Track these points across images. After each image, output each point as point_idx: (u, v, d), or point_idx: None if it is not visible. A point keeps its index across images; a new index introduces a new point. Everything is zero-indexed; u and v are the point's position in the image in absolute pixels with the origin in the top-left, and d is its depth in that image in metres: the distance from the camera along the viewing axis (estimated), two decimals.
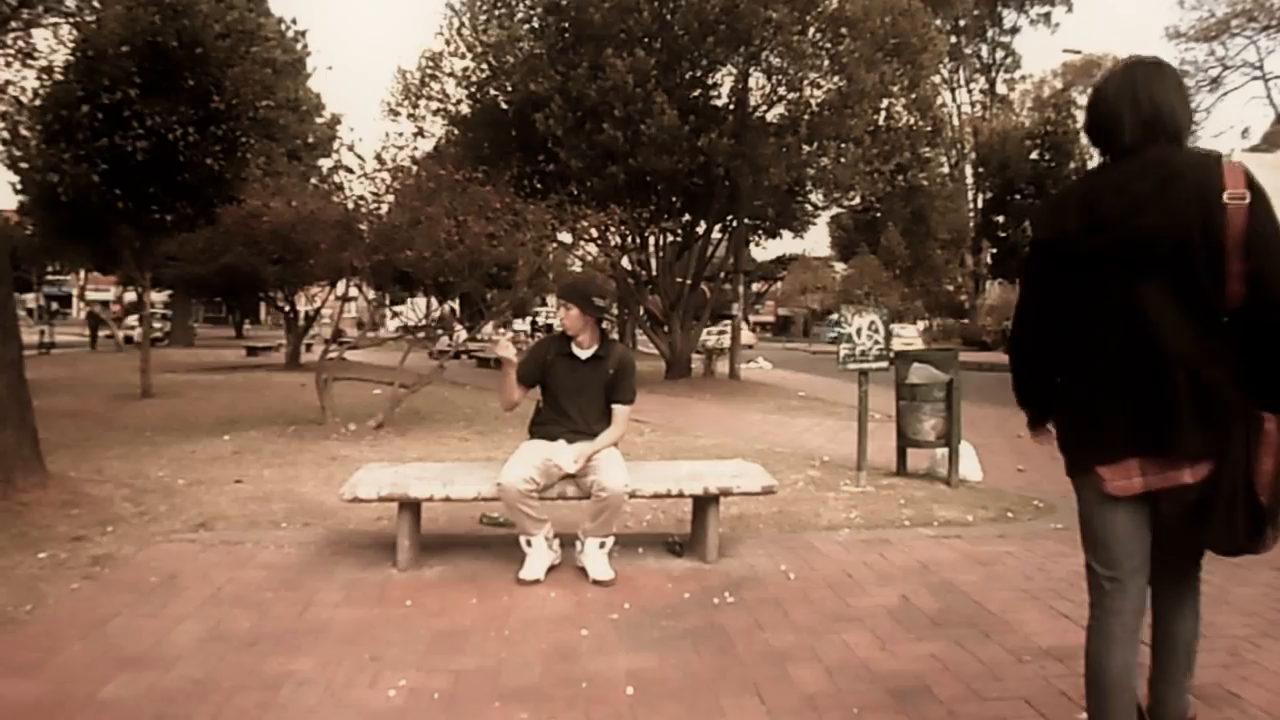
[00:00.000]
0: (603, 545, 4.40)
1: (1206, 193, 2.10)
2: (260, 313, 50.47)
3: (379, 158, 10.69)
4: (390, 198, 10.32)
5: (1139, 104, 2.27)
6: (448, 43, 17.62)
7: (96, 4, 13.46)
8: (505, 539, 4.80)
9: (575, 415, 4.59)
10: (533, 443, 4.56)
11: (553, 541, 4.46)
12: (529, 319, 43.57)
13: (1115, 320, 2.21)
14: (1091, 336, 2.27)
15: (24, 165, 18.14)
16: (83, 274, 50.76)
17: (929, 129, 19.54)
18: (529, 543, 4.37)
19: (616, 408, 4.64)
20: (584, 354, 4.62)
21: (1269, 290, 2.08)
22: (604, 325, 4.76)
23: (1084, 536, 2.40)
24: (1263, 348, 2.11)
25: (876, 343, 7.04)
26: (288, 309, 23.39)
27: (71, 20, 13.53)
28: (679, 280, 19.73)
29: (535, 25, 17.30)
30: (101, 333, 32.43)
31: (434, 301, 19.10)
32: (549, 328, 39.76)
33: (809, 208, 21.55)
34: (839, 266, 44.37)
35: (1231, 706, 3.02)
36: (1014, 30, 44.10)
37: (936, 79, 28.69)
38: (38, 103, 13.85)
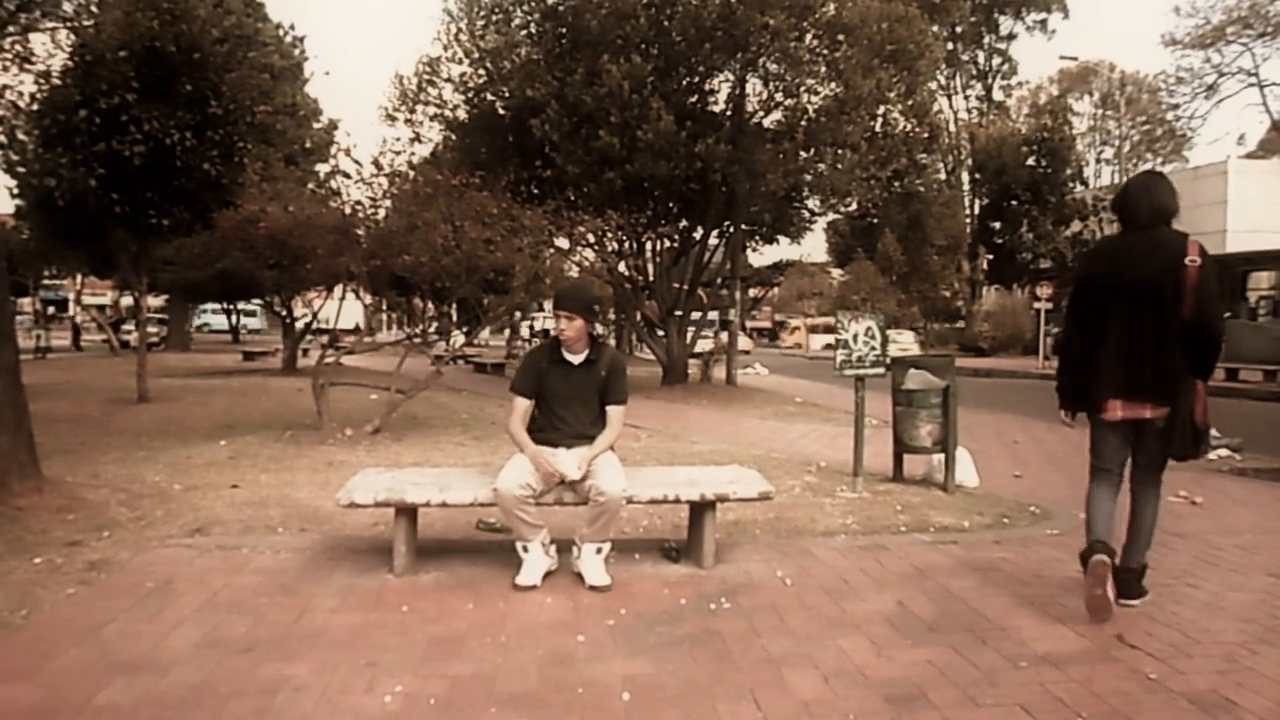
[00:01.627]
0: (599, 551, 4.40)
1: (1177, 258, 3.82)
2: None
3: (376, 163, 10.70)
4: (387, 203, 10.32)
5: (1150, 201, 4.01)
6: (445, 48, 17.62)
7: (94, 9, 13.48)
8: (502, 545, 4.80)
9: (571, 420, 4.60)
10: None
11: (549, 547, 4.46)
12: (526, 325, 43.51)
13: (1120, 326, 3.94)
14: (1106, 334, 3.98)
15: (21, 170, 18.12)
16: (79, 278, 50.66)
17: (926, 135, 19.59)
18: (525, 548, 4.37)
19: (611, 409, 4.64)
20: (576, 359, 4.62)
21: (1201, 315, 3.80)
22: (593, 329, 4.76)
23: (1091, 446, 4.20)
24: (1196, 344, 3.85)
25: (873, 349, 7.05)
26: (285, 314, 23.38)
27: (69, 25, 13.55)
28: (676, 286, 19.73)
29: (532, 31, 17.32)
30: (99, 337, 32.38)
31: (430, 307, 19.06)
32: (545, 333, 39.76)
33: (806, 214, 21.55)
34: (836, 272, 44.39)
35: (1227, 713, 3.03)
36: (1011, 37, 44.16)
37: (933, 85, 28.84)
38: (35, 107, 13.85)
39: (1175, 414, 3.82)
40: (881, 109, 16.88)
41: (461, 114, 18.18)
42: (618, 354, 4.86)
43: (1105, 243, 4.53)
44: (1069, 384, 4.20)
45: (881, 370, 7.17)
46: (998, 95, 45.45)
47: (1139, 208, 4.00)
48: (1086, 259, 4.36)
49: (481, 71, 17.38)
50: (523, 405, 4.62)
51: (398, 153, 11.29)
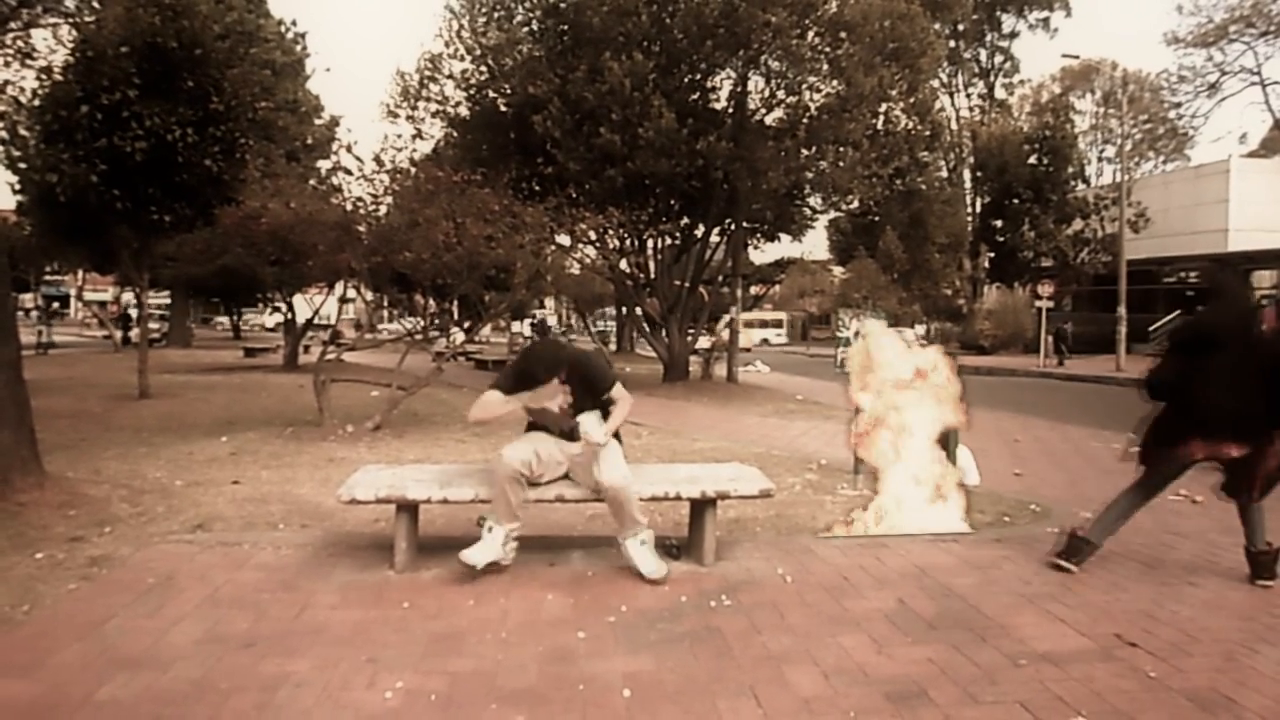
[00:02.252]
0: (643, 542, 4.42)
1: (1257, 324, 4.57)
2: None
3: (377, 159, 10.70)
4: (389, 199, 10.33)
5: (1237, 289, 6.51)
6: (447, 45, 17.62)
7: (96, 4, 13.47)
8: None
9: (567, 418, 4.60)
10: (540, 433, 4.57)
11: (510, 541, 4.40)
12: (527, 321, 43.49)
13: (1212, 376, 4.46)
14: (1201, 383, 4.48)
15: (23, 165, 18.10)
16: (81, 274, 50.70)
17: (927, 133, 19.57)
18: (490, 527, 4.35)
19: (610, 395, 4.62)
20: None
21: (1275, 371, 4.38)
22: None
23: (1152, 478, 4.71)
24: (1271, 396, 4.39)
25: None
26: (286, 310, 23.39)
27: (71, 21, 13.54)
28: (677, 283, 19.73)
29: (534, 28, 17.31)
30: (100, 333, 32.39)
31: (431, 304, 19.08)
32: (544, 326, 39.72)
33: (807, 211, 21.54)
34: (837, 270, 44.33)
35: (1227, 711, 3.03)
36: (1013, 35, 44.06)
37: (935, 83, 28.84)
38: (37, 103, 13.86)
39: (1256, 452, 4.51)
40: (883, 107, 16.88)
41: (463, 111, 18.18)
42: (583, 353, 4.85)
43: (1207, 315, 5.15)
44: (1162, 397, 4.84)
45: None
46: (1000, 93, 45.38)
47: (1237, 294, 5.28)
48: (1192, 326, 4.94)
49: (483, 68, 17.39)
50: (498, 399, 4.53)
51: (399, 149, 11.36)
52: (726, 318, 20.51)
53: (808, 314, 51.46)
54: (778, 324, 52.49)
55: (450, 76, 17.95)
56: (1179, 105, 45.46)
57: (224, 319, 52.82)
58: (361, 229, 10.08)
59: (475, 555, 4.26)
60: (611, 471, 4.35)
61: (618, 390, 4.63)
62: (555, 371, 4.45)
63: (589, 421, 4.43)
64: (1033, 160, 37.03)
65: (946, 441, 6.23)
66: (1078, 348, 31.31)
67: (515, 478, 4.30)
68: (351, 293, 12.37)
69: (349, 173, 11.15)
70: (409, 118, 18.12)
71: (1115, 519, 4.72)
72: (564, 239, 16.14)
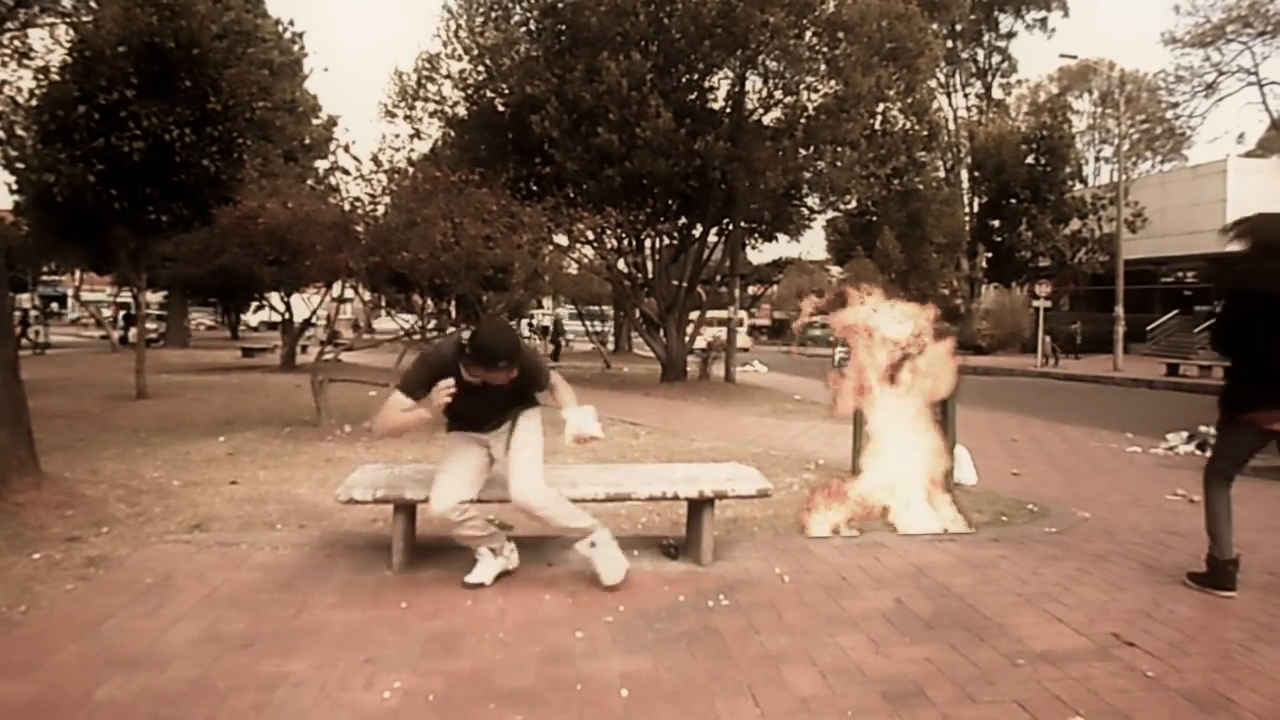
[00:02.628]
0: (594, 544, 4.22)
1: None
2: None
3: (375, 159, 10.71)
4: (386, 199, 10.33)
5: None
6: (445, 45, 17.63)
7: (93, 4, 13.47)
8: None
9: (489, 415, 4.29)
10: (459, 444, 4.27)
11: (504, 547, 4.34)
12: (525, 322, 43.43)
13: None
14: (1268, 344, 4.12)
15: (20, 165, 18.12)
16: (78, 274, 50.61)
17: (925, 133, 19.60)
18: (479, 552, 4.27)
19: (546, 392, 4.28)
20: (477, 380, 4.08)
21: None
22: None
23: (1225, 451, 4.49)
24: None
25: None
26: (283, 310, 23.38)
27: (68, 20, 13.54)
28: (675, 283, 19.74)
29: (532, 28, 17.32)
30: (98, 333, 32.32)
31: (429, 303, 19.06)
32: (544, 329, 39.65)
33: (805, 211, 21.57)
34: (835, 270, 44.39)
35: (1225, 710, 3.03)
36: (1010, 35, 44.15)
37: (933, 83, 28.86)
38: (34, 103, 13.86)
39: None
40: (881, 107, 16.90)
41: (461, 110, 18.18)
42: (526, 344, 4.31)
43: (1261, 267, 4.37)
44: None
45: None
46: (997, 93, 45.46)
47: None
48: (1248, 277, 4.38)
49: (481, 68, 17.39)
50: (404, 403, 4.03)
51: (397, 149, 11.37)
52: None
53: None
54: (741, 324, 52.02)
55: (448, 76, 17.97)
56: (1176, 105, 45.56)
57: (205, 318, 52.23)
58: (359, 229, 10.08)
59: (479, 575, 4.21)
60: (527, 492, 4.07)
61: (556, 379, 4.30)
62: (514, 360, 3.93)
63: (579, 416, 4.22)
64: (1030, 160, 37.11)
65: (944, 409, 6.32)
66: (1083, 347, 31.37)
67: (461, 517, 4.09)
68: (349, 293, 12.36)
69: (347, 173, 11.17)
70: (407, 117, 18.14)
71: (1225, 523, 4.39)
72: (561, 239, 16.16)
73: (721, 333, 21.69)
